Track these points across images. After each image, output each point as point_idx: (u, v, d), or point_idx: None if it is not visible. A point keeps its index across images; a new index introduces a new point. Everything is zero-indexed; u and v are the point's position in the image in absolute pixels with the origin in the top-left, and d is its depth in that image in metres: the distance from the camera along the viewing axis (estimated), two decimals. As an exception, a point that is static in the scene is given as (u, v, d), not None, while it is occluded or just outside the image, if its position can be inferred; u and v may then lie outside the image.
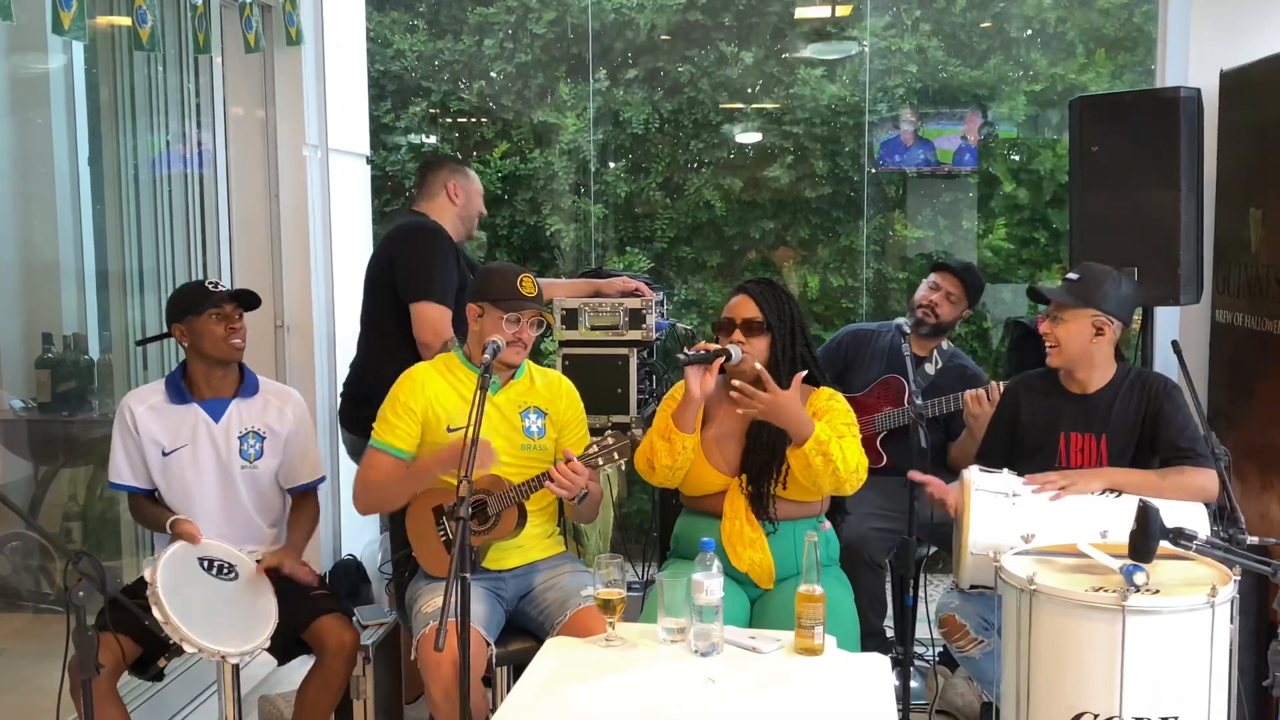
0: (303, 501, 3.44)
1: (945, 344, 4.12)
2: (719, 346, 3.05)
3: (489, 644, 2.98)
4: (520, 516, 3.05)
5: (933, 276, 4.10)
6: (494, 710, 2.50)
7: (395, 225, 4.04)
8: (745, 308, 3.09)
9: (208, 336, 3.21)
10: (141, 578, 3.28)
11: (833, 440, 2.94)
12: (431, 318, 3.70)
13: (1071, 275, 3.23)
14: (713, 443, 3.13)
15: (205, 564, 3.11)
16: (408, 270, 3.77)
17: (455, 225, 3.93)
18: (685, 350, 3.07)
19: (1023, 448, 3.29)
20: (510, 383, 3.18)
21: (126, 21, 3.50)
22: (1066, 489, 3.00)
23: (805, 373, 3.03)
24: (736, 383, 2.95)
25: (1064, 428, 3.25)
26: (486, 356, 2.88)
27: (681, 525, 3.25)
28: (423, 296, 3.72)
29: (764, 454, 3.05)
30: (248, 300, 3.31)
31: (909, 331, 3.81)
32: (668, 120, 6.01)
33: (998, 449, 3.30)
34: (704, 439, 3.12)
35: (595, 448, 2.95)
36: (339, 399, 4.18)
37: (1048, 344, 3.22)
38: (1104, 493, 3.02)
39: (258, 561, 3.22)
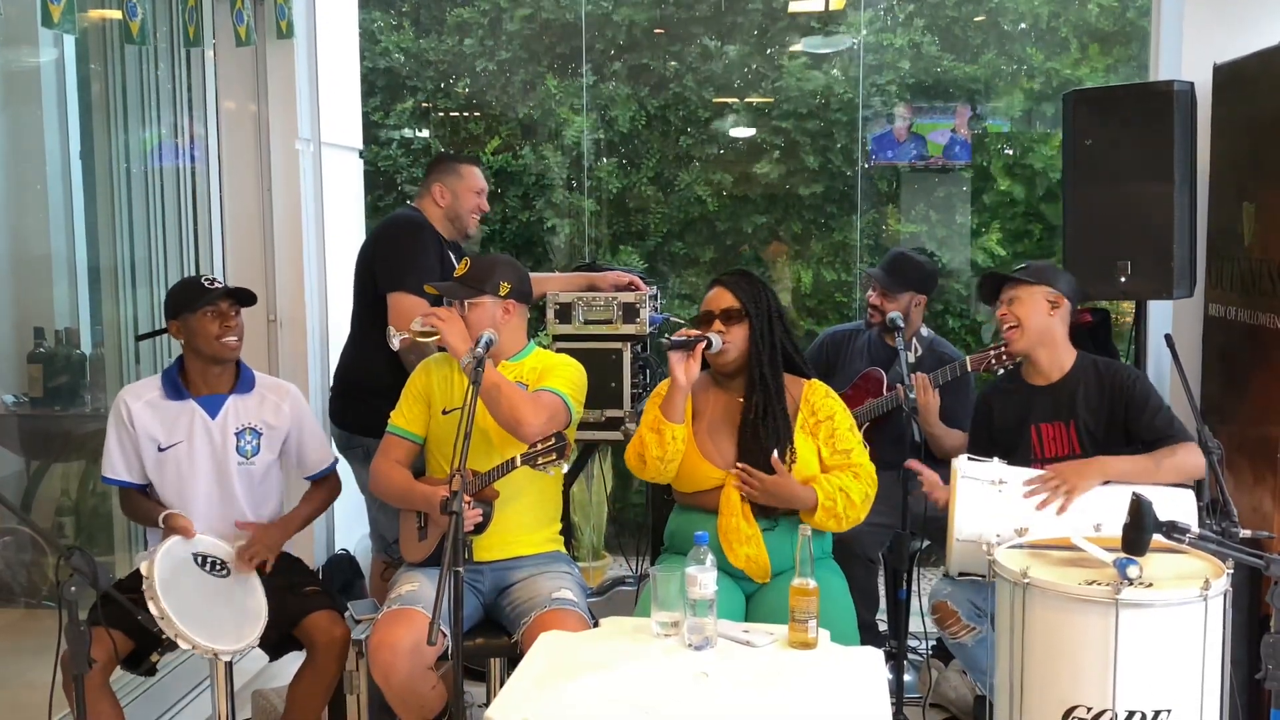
0: (321, 482, 3.49)
1: (924, 331, 4.13)
2: (700, 333, 3.07)
3: (444, 634, 2.96)
4: (484, 516, 3.00)
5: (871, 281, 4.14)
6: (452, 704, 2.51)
7: (382, 219, 4.04)
8: (722, 299, 3.11)
9: (201, 335, 3.21)
10: (135, 572, 3.28)
11: (838, 498, 2.98)
12: (404, 308, 3.66)
13: (1019, 267, 3.37)
14: (706, 437, 3.12)
15: (199, 559, 3.11)
16: (384, 262, 3.77)
17: (443, 225, 3.91)
18: (667, 336, 3.08)
19: (1000, 449, 3.29)
20: (505, 361, 3.19)
21: (117, 15, 3.49)
22: (1070, 494, 3.00)
23: (816, 384, 3.14)
24: (739, 466, 3.00)
25: (1034, 420, 3.30)
26: (479, 351, 2.88)
27: (675, 521, 3.23)
28: (397, 287, 3.70)
29: (759, 448, 3.04)
30: (243, 297, 3.30)
31: (901, 326, 3.81)
32: (655, 116, 6.00)
33: (982, 454, 3.30)
34: (696, 433, 3.12)
35: (539, 445, 2.93)
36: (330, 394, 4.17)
37: (1007, 326, 3.30)
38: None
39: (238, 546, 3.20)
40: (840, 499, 2.98)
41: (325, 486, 3.50)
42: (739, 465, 3.00)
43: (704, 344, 3.03)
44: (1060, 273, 3.37)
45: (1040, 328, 3.28)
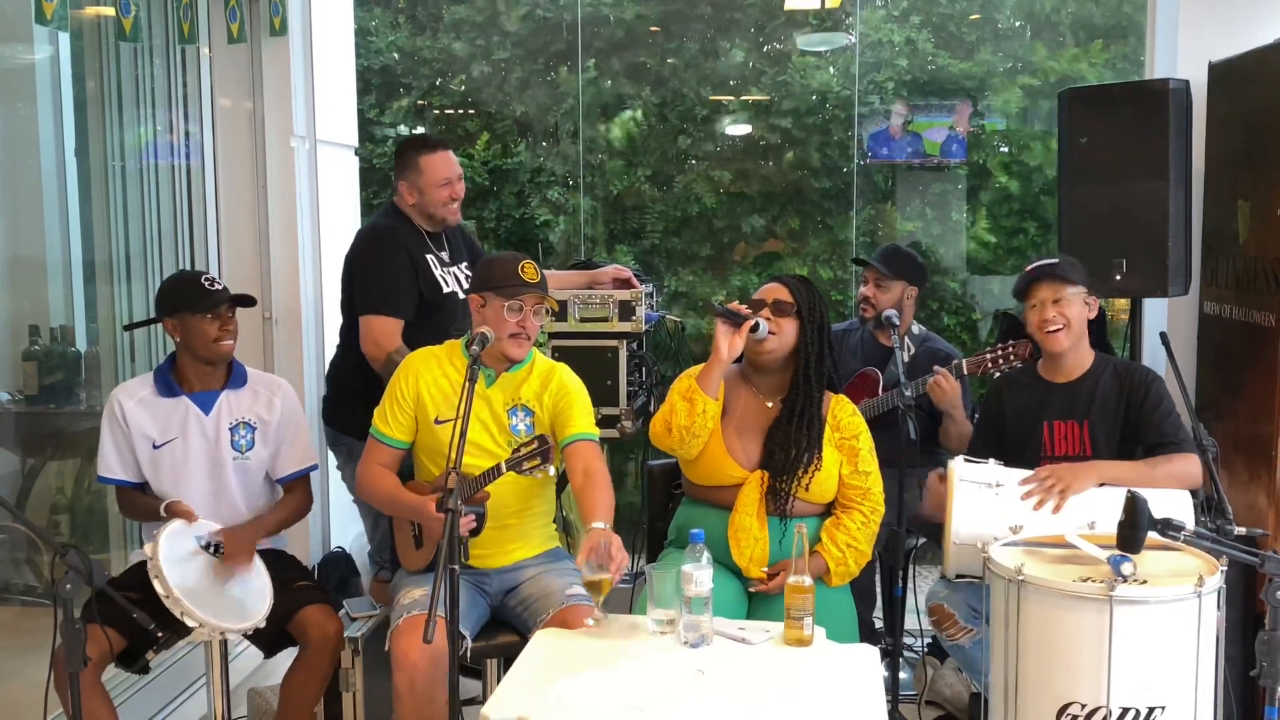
0: (293, 490, 3.41)
1: (915, 329, 4.13)
2: (750, 312, 3.06)
3: (464, 637, 2.95)
4: (478, 519, 2.94)
5: (863, 274, 4.13)
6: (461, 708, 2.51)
7: (362, 226, 4.00)
8: (777, 291, 3.12)
9: (199, 336, 3.20)
10: (129, 569, 3.29)
11: (848, 555, 3.05)
12: (372, 330, 3.63)
13: (1048, 260, 3.29)
14: (733, 434, 3.12)
15: (202, 542, 3.11)
16: (358, 283, 3.74)
17: (418, 220, 3.83)
18: (719, 302, 3.09)
19: (1011, 441, 3.30)
20: (506, 374, 3.11)
21: (111, 12, 3.48)
22: (1065, 493, 2.99)
23: (844, 400, 3.16)
24: (763, 587, 3.02)
25: (1047, 417, 3.28)
26: (475, 348, 2.85)
27: (684, 514, 3.23)
28: (365, 309, 3.66)
29: (788, 451, 3.05)
30: (245, 303, 3.31)
31: (896, 324, 3.81)
32: (653, 114, 5.99)
33: (987, 447, 3.29)
34: (724, 430, 3.11)
35: (523, 450, 2.88)
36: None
37: (1053, 327, 3.21)
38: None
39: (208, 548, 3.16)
40: (851, 555, 3.05)
41: (296, 496, 3.41)
42: (762, 586, 3.03)
43: (751, 323, 3.02)
44: (1083, 268, 3.31)
45: (1081, 330, 3.25)
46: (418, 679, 2.84)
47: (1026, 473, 3.09)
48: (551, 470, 2.89)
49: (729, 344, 3.02)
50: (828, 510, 3.14)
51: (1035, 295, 3.24)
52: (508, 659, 3.16)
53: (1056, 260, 3.29)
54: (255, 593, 3.10)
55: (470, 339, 2.99)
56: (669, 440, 3.08)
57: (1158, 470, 3.06)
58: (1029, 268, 3.30)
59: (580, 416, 3.10)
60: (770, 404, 3.12)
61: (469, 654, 3.02)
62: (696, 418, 3.01)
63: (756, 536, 3.03)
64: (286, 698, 3.22)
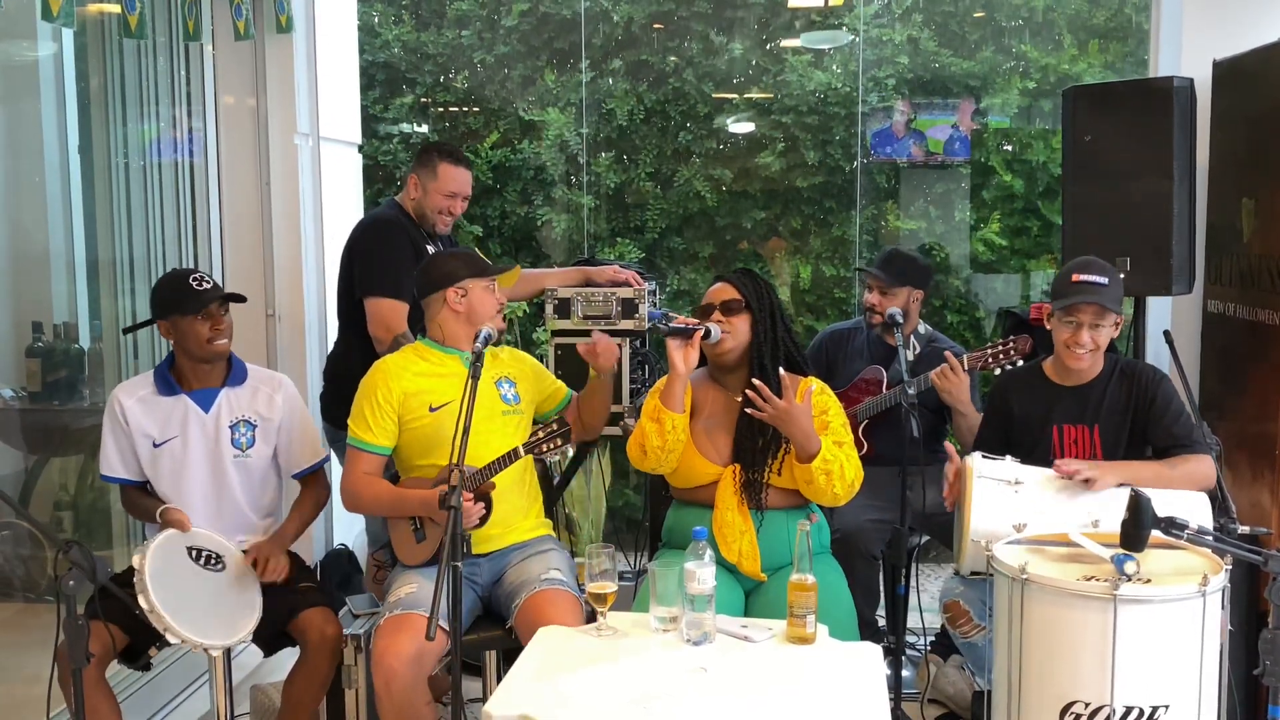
0: (308, 484, 3.44)
1: (922, 328, 4.12)
2: (698, 321, 3.09)
3: (444, 630, 2.94)
4: (485, 508, 3.01)
5: (867, 281, 4.13)
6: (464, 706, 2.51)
7: (362, 218, 4.05)
8: (723, 292, 3.14)
9: (192, 337, 3.19)
10: (131, 566, 3.29)
11: (833, 458, 2.99)
12: (380, 312, 3.69)
13: (1099, 279, 3.13)
14: (703, 433, 3.14)
15: (193, 553, 3.11)
16: (360, 266, 3.79)
17: (415, 219, 3.91)
18: (664, 323, 3.14)
19: (1018, 444, 3.28)
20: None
21: (116, 9, 3.48)
22: (1091, 484, 2.96)
23: (812, 381, 3.11)
24: (755, 382, 2.98)
25: (1056, 420, 3.26)
26: (478, 345, 2.87)
27: (673, 517, 3.25)
28: (371, 291, 3.71)
29: (756, 440, 3.06)
30: (233, 299, 3.29)
31: (900, 323, 3.81)
32: (654, 111, 5.99)
33: (993, 446, 3.28)
34: (694, 430, 3.13)
35: (540, 433, 2.97)
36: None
37: (1083, 349, 3.15)
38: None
39: (244, 552, 3.21)
40: (835, 464, 3.00)
41: (312, 490, 3.43)
42: (755, 382, 2.98)
43: (701, 332, 3.05)
44: (1121, 281, 3.21)
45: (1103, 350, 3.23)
46: (393, 680, 2.85)
47: (1046, 471, 3.05)
48: (570, 450, 2.93)
49: (683, 358, 3.05)
50: (805, 503, 3.14)
51: (1077, 313, 3.14)
52: (500, 652, 3.19)
53: (1107, 281, 3.13)
54: (244, 606, 3.11)
55: (453, 334, 3.10)
56: (647, 462, 3.11)
57: (1176, 471, 3.05)
58: (1079, 275, 3.14)
59: (556, 383, 3.42)
60: (739, 399, 3.12)
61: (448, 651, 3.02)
62: (668, 435, 3.04)
63: (741, 530, 3.04)
64: (288, 699, 3.23)
